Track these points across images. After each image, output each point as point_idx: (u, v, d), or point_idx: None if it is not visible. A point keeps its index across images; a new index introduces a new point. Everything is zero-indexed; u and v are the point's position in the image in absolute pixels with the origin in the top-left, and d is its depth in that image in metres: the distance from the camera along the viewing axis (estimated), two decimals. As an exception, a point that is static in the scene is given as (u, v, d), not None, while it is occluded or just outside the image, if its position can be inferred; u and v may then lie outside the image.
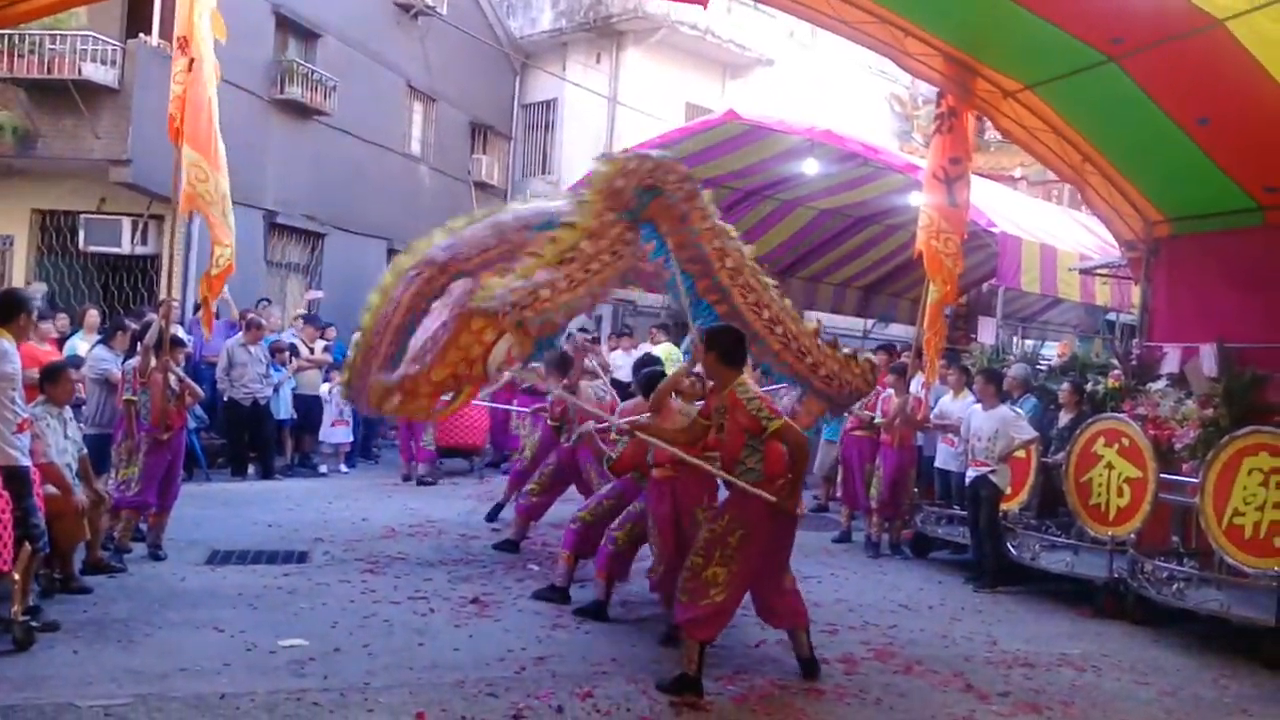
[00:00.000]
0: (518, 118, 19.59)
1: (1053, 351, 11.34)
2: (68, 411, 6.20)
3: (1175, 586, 6.48)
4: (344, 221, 14.84)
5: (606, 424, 6.58)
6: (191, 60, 6.88)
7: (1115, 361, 8.42)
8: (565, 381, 7.66)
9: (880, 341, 13.79)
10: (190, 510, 8.01)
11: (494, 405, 10.24)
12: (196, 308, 10.87)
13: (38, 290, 11.47)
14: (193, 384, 7.30)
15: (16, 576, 4.97)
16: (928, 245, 8.17)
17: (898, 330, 16.07)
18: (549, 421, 6.78)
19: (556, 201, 5.99)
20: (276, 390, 10.49)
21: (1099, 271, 10.18)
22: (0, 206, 12.30)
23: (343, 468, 11.13)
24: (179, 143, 6.87)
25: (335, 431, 11.08)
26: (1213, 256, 7.76)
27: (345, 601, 6.06)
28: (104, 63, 11.18)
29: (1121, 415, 7.45)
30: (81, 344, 8.84)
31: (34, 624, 5.10)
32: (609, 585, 6.11)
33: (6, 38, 10.83)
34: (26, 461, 5.25)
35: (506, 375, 9.36)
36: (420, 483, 10.54)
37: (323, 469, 11.05)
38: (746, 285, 5.34)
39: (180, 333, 8.04)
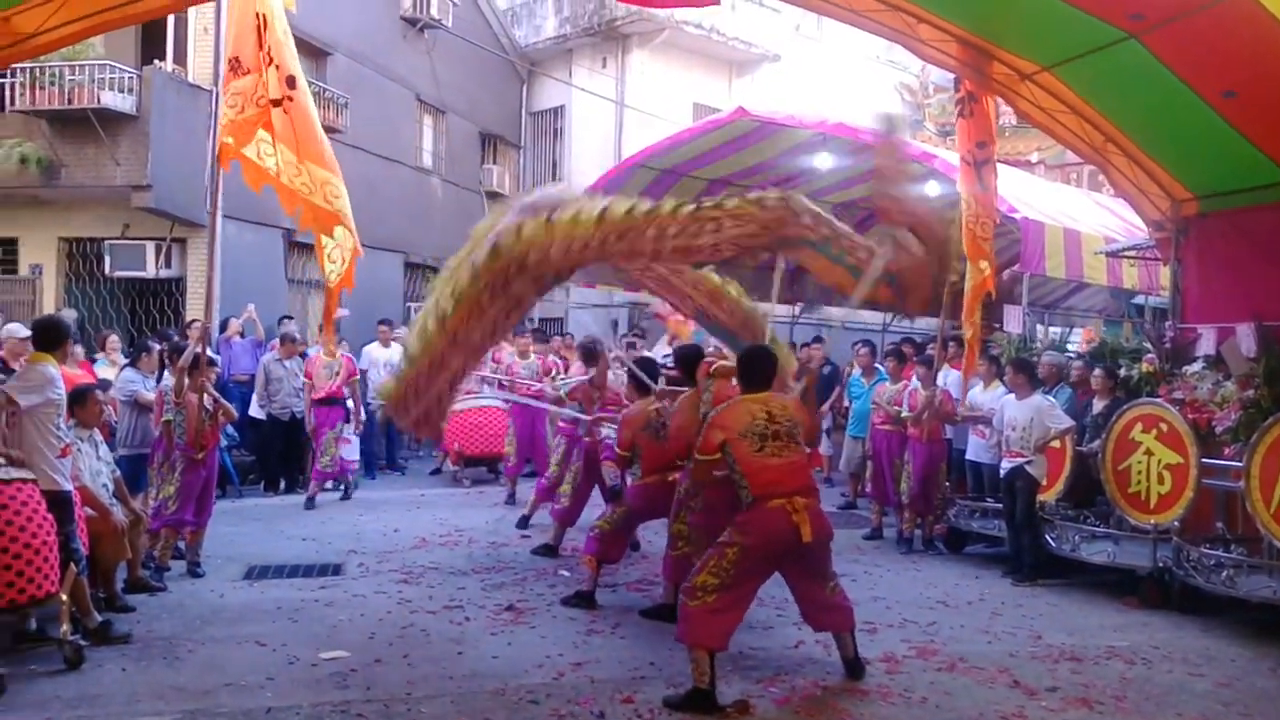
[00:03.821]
0: (526, 126, 19.65)
1: (1078, 338, 11.24)
2: (97, 434, 6.27)
3: (1224, 574, 6.36)
4: (360, 236, 14.76)
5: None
6: (292, 79, 6.70)
7: (1147, 345, 8.31)
8: (592, 373, 8.00)
9: (901, 334, 13.72)
10: (226, 527, 8.08)
11: (510, 398, 10.19)
12: (223, 327, 10.92)
13: (68, 316, 11.58)
14: (226, 404, 7.35)
15: (64, 598, 5.05)
16: (967, 229, 8.11)
17: (918, 322, 15.95)
18: (617, 450, 6.83)
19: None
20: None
21: (1126, 254, 10.05)
22: (29, 236, 12.51)
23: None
24: (226, 165, 6.76)
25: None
26: (1245, 233, 7.60)
27: (382, 612, 6.07)
28: (121, 90, 11.31)
29: (1158, 400, 7.34)
30: (104, 368, 8.86)
31: (114, 634, 5.36)
32: (677, 588, 6.05)
33: (28, 70, 11.00)
34: (69, 486, 5.35)
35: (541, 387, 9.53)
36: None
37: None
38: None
39: (209, 353, 8.04)
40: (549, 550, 7.77)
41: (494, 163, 18.77)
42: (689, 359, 6.43)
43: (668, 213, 4.90)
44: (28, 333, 7.21)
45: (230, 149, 6.61)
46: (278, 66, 6.63)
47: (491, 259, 4.94)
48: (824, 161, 11.11)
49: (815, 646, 5.51)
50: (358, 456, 11.05)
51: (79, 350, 8.50)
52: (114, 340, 9.48)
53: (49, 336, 5.51)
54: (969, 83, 7.95)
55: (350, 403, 10.24)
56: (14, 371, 6.16)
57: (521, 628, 5.85)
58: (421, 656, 5.25)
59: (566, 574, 7.16)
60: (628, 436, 6.45)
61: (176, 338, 8.90)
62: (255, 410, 10.30)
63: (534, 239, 4.87)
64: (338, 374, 9.81)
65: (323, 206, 6.95)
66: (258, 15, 6.62)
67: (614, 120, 17.79)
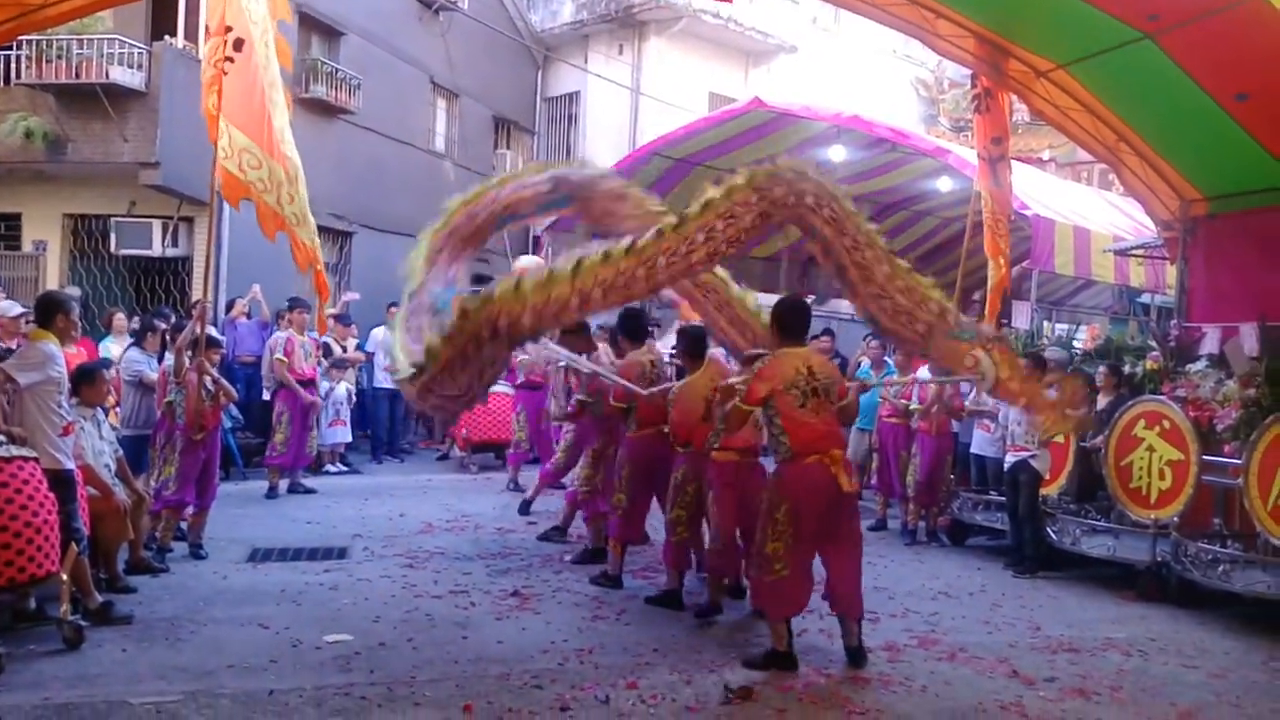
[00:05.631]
0: (540, 111, 19.60)
1: (1084, 335, 11.24)
2: (100, 413, 6.23)
3: (1220, 569, 6.41)
4: (371, 219, 14.89)
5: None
6: (240, 41, 6.59)
7: (1152, 343, 8.34)
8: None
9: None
10: (229, 509, 8.09)
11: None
12: (229, 307, 10.91)
13: (71, 294, 11.59)
14: (226, 384, 7.30)
15: (64, 577, 5.04)
16: (986, 226, 8.15)
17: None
18: (612, 402, 6.75)
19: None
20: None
21: (1133, 252, 10.06)
22: (33, 212, 12.47)
23: (339, 466, 10.90)
24: (213, 137, 6.70)
25: (333, 431, 10.75)
26: (1252, 234, 7.64)
27: (387, 596, 6.10)
28: (131, 66, 11.25)
29: (1161, 397, 7.38)
30: (112, 347, 8.86)
31: (115, 614, 5.36)
32: (680, 574, 6.16)
33: (35, 43, 10.91)
34: (71, 465, 5.33)
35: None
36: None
37: (330, 469, 10.78)
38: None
39: (214, 333, 8.03)
40: (558, 532, 7.79)
41: (507, 147, 18.74)
42: (695, 339, 6.40)
43: (650, 243, 4.81)
44: (20, 310, 7.21)
45: (214, 120, 6.56)
46: (231, 28, 6.56)
47: (460, 322, 4.66)
48: (838, 154, 11.14)
49: (819, 635, 5.56)
50: (349, 439, 11.07)
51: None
52: (120, 319, 9.46)
53: (42, 311, 5.46)
54: (985, 79, 7.95)
55: (327, 383, 10.40)
56: (11, 349, 6.13)
57: (527, 613, 5.87)
58: (426, 641, 5.28)
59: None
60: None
61: (173, 316, 8.86)
62: (265, 392, 10.29)
63: (504, 304, 4.65)
64: (312, 355, 9.67)
65: (235, 174, 6.81)
66: None
67: (629, 107, 17.76)
